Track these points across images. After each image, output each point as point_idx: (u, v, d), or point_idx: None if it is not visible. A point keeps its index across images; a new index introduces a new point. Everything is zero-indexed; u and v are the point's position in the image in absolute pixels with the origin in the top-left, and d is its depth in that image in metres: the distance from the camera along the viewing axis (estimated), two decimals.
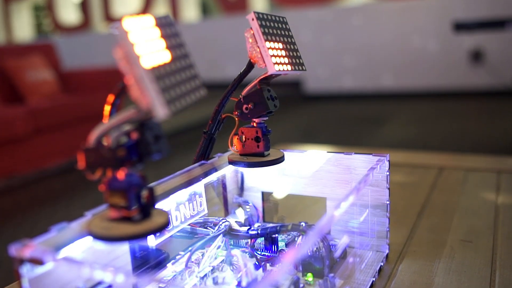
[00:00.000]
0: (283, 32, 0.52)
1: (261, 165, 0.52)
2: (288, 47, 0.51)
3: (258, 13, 0.49)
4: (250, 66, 0.51)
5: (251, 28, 0.49)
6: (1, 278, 1.37)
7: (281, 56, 0.50)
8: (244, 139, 0.53)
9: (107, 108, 0.37)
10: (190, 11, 5.77)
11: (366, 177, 0.47)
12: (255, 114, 0.52)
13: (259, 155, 0.53)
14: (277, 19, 0.52)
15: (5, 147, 2.45)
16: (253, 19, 0.49)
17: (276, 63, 0.49)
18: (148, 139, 0.35)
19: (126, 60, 0.33)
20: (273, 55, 0.49)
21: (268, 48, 0.49)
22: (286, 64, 0.50)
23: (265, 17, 0.50)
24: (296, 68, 0.51)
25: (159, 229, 0.36)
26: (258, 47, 0.49)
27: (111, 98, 0.37)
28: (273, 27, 0.51)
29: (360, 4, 4.52)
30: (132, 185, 0.36)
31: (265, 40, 0.49)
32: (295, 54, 0.52)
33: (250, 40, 0.49)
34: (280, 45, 0.50)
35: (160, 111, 0.33)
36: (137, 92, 0.34)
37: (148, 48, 0.35)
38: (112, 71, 3.21)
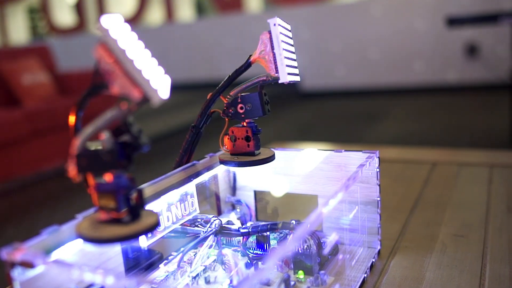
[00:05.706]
0: (290, 41, 0.51)
1: (251, 164, 0.52)
2: (293, 56, 0.51)
3: (280, 18, 0.48)
4: (248, 66, 0.51)
5: (268, 32, 0.48)
6: (1, 281, 1.38)
7: (290, 66, 0.50)
8: (234, 139, 0.53)
9: (72, 120, 0.39)
10: (185, 11, 5.77)
11: (355, 174, 0.47)
12: (250, 116, 0.52)
13: (249, 154, 0.53)
14: (288, 27, 0.51)
15: (2, 150, 2.45)
16: (275, 24, 0.48)
17: (289, 73, 0.49)
18: (135, 132, 0.36)
19: (113, 56, 0.34)
20: (287, 65, 0.48)
21: (284, 58, 0.48)
22: (293, 74, 0.50)
23: (283, 24, 0.49)
24: (297, 78, 0.51)
25: (149, 230, 0.36)
26: (273, 53, 0.48)
27: (74, 110, 0.38)
28: (287, 36, 0.50)
29: (354, 1, 4.53)
30: (121, 187, 0.36)
31: (283, 49, 0.48)
32: (295, 64, 0.51)
33: (267, 44, 0.48)
34: (289, 54, 0.50)
35: (158, 95, 0.34)
36: (127, 85, 0.34)
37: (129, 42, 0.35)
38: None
